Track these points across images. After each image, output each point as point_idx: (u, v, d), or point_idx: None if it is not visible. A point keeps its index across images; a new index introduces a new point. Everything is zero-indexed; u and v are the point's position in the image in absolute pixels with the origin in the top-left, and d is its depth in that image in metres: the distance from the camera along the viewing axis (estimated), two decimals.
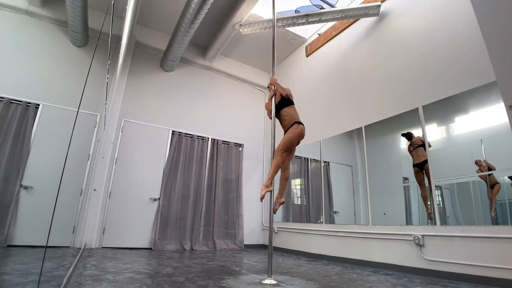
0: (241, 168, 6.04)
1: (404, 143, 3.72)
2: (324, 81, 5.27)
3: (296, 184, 5.58)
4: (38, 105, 4.25)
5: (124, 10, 3.48)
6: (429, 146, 3.27)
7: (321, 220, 4.61)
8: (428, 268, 2.99)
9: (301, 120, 2.89)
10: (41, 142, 4.10)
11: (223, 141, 5.94)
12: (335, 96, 4.92)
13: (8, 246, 3.57)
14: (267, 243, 2.63)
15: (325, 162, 4.88)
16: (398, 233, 3.36)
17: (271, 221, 2.70)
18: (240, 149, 6.18)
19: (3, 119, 3.97)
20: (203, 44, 6.05)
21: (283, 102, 2.95)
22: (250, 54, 6.35)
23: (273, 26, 3.42)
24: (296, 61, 6.19)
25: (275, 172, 2.70)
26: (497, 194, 2.70)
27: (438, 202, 3.15)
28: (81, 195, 4.30)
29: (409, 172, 3.56)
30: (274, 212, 2.75)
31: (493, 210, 2.70)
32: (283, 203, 2.91)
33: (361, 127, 4.22)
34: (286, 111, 2.91)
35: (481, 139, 2.91)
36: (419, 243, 3.09)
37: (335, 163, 4.83)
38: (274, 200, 2.84)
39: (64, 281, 1.87)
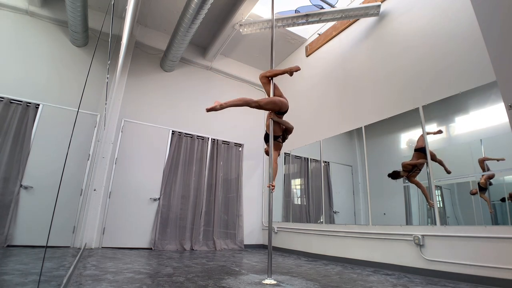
0: (241, 168, 6.04)
1: (404, 143, 3.72)
2: (324, 81, 5.27)
3: (296, 184, 5.57)
4: (38, 105, 4.25)
5: (124, 10, 3.48)
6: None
7: (321, 220, 4.61)
8: (428, 268, 2.99)
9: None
10: (41, 142, 4.10)
11: (223, 141, 5.94)
12: (335, 96, 4.92)
13: (8, 246, 3.57)
14: (267, 243, 2.63)
15: (325, 162, 4.88)
16: (398, 233, 3.36)
17: (270, 221, 2.70)
18: (240, 149, 6.18)
19: (3, 119, 3.97)
20: (203, 44, 6.05)
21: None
22: (250, 54, 6.35)
23: (272, 27, 3.42)
24: (296, 61, 6.19)
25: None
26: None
27: (438, 201, 3.15)
28: (81, 195, 4.30)
29: None
30: None
31: (490, 208, 2.75)
32: None
33: (361, 127, 4.22)
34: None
35: (481, 139, 2.91)
36: (419, 243, 3.09)
37: (335, 163, 4.83)
38: None
39: (64, 281, 1.87)
